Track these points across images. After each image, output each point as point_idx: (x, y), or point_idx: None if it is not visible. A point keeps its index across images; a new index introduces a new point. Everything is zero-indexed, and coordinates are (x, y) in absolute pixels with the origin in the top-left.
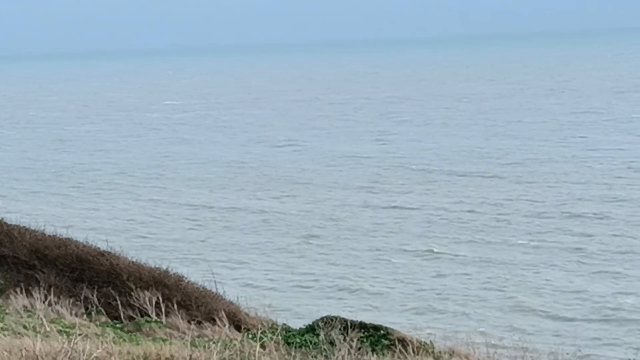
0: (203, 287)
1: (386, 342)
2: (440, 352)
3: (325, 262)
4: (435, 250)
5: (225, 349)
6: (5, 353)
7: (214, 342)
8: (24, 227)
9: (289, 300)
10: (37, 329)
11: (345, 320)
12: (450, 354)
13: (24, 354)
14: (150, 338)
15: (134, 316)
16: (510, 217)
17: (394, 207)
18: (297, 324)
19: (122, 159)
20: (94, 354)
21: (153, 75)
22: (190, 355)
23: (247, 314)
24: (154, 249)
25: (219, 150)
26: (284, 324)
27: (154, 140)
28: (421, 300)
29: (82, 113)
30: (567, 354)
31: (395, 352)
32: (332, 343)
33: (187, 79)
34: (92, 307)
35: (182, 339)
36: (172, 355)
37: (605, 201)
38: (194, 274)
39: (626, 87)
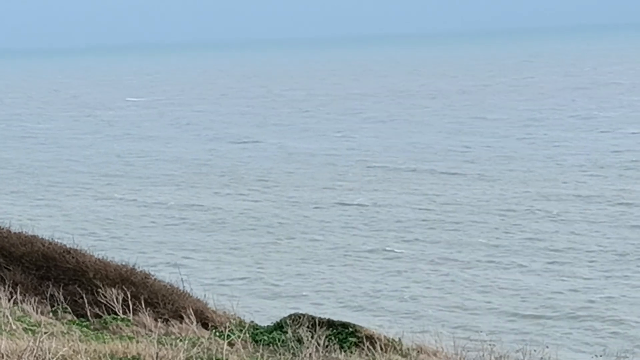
0: (170, 285)
1: (354, 339)
2: (408, 349)
3: (288, 260)
4: (395, 249)
5: (192, 346)
6: None
7: (181, 340)
8: None
9: (255, 298)
10: (3, 327)
11: (313, 318)
12: (418, 351)
13: None
14: (117, 336)
15: (101, 314)
16: (474, 215)
17: (357, 204)
18: (265, 321)
19: (83, 156)
20: (60, 352)
21: (115, 72)
22: (157, 353)
23: (214, 312)
24: (116, 247)
25: (182, 147)
26: (252, 322)
27: (114, 137)
28: (380, 299)
29: (43, 110)
30: (535, 351)
31: (363, 349)
32: (299, 340)
33: (150, 75)
34: (58, 305)
35: (149, 337)
36: (139, 354)
37: (569, 199)
38: (161, 272)
39: (586, 83)
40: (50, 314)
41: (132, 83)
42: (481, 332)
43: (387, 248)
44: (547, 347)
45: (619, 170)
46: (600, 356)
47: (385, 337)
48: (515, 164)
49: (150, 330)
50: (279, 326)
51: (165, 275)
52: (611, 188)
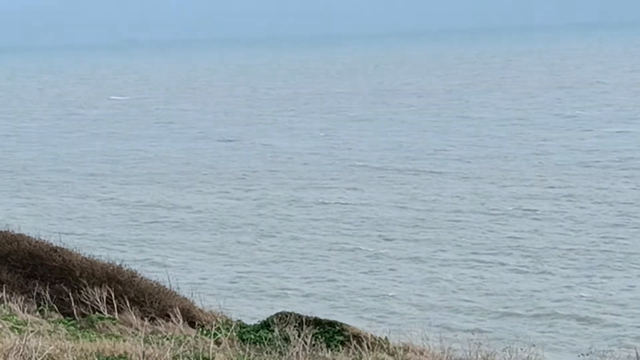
0: (157, 283)
1: (341, 338)
2: (395, 347)
3: (271, 259)
4: (379, 249)
5: (179, 345)
6: None
7: (167, 339)
8: None
9: (240, 297)
10: None
11: (300, 316)
12: (405, 350)
13: None
14: (103, 335)
15: (87, 313)
16: (456, 214)
17: (339, 203)
18: (251, 320)
19: (65, 155)
20: (47, 351)
21: (99, 70)
22: (144, 352)
23: (201, 310)
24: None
25: (166, 145)
26: (239, 320)
27: (98, 135)
28: (365, 298)
29: (26, 109)
30: (521, 349)
31: (350, 348)
32: (286, 339)
33: (134, 74)
34: (45, 303)
35: (136, 335)
36: (125, 352)
37: (551, 197)
38: (147, 271)
39: (570, 82)
40: (37, 313)
41: (116, 82)
42: (467, 330)
43: (370, 248)
44: (534, 345)
45: (601, 169)
46: (587, 355)
47: (372, 335)
48: (496, 163)
49: (137, 329)
50: (266, 325)
51: (151, 274)
52: (595, 187)
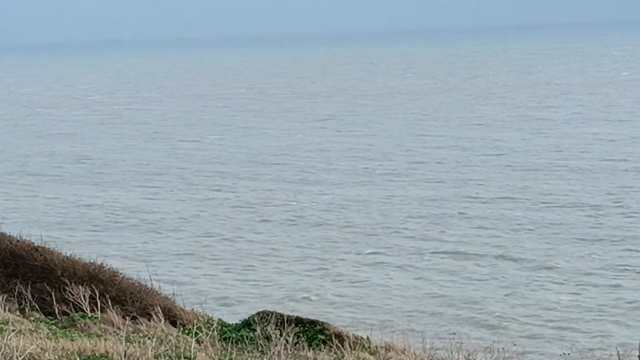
0: (138, 283)
1: (322, 337)
2: (376, 347)
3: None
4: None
5: (160, 344)
6: None
7: (149, 338)
8: None
9: (222, 296)
10: None
11: (282, 316)
12: (387, 349)
13: None
14: (84, 334)
15: (69, 312)
16: (409, 219)
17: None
18: (233, 319)
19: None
20: (28, 350)
21: (74, 70)
22: (125, 351)
23: (182, 310)
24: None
25: (135, 147)
26: (220, 320)
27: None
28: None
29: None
30: (503, 348)
31: (332, 347)
32: (268, 338)
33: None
34: (26, 302)
35: (117, 334)
36: (107, 351)
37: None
38: (129, 270)
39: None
40: (18, 312)
41: (90, 82)
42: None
43: (345, 249)
44: (515, 344)
45: (562, 171)
46: (569, 354)
47: (353, 335)
48: (450, 166)
49: (118, 328)
50: (247, 324)
51: (132, 273)
52: (558, 188)
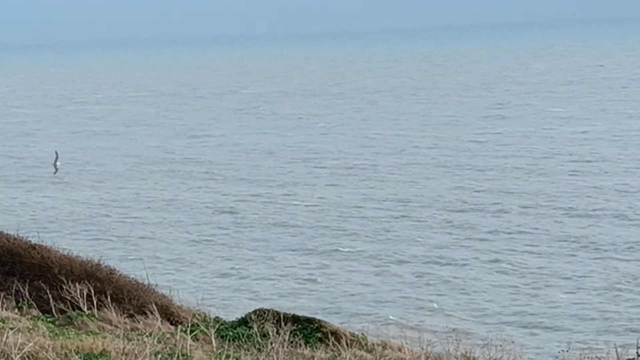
0: (135, 280)
1: (319, 334)
2: (373, 344)
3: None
4: (339, 247)
5: (158, 342)
6: None
7: (146, 336)
8: None
9: (219, 293)
10: None
11: (278, 313)
12: (383, 347)
13: None
14: (82, 332)
15: (66, 310)
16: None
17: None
18: (229, 317)
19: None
20: (26, 348)
21: (83, 67)
22: (124, 349)
23: (179, 307)
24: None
25: (135, 143)
26: (217, 317)
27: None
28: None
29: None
30: (500, 345)
31: (328, 344)
32: (265, 336)
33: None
34: (24, 300)
35: (115, 332)
36: (104, 349)
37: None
38: (125, 268)
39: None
40: (16, 310)
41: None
42: (446, 327)
43: (332, 247)
44: (513, 342)
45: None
46: (567, 351)
47: (350, 332)
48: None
49: (116, 326)
50: (244, 321)
51: (129, 270)
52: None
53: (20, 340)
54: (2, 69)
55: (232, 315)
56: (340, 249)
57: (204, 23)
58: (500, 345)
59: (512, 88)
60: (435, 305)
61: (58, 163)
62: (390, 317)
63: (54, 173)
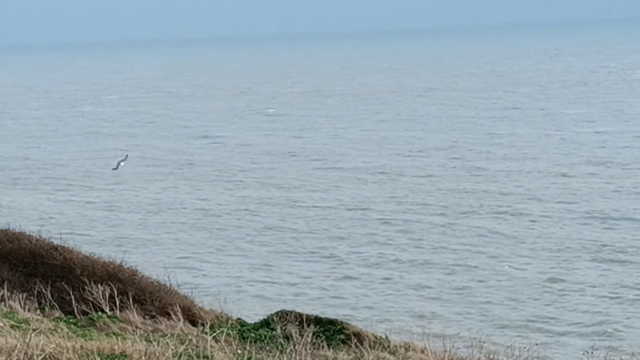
0: (157, 281)
1: (342, 336)
2: (396, 346)
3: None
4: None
5: (180, 344)
6: None
7: (169, 337)
8: None
9: (241, 295)
10: None
11: (300, 315)
12: (406, 349)
13: None
14: (104, 333)
15: (88, 311)
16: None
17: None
18: (252, 318)
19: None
20: (48, 350)
21: (92, 69)
22: (146, 350)
23: (201, 309)
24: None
25: (147, 145)
26: (239, 319)
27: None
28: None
29: (25, 105)
30: (524, 347)
31: (351, 346)
32: (287, 337)
33: (126, 73)
34: (46, 302)
35: (137, 333)
36: (126, 351)
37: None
38: (147, 269)
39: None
40: (38, 311)
41: (109, 81)
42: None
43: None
44: (537, 344)
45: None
46: (591, 353)
47: (373, 334)
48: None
49: (138, 327)
50: (266, 323)
51: (151, 272)
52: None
53: (42, 342)
54: (25, 70)
55: (254, 317)
56: (356, 252)
57: (224, 24)
58: (524, 347)
59: (527, 90)
60: (449, 312)
61: (122, 164)
62: (414, 327)
63: (113, 169)
